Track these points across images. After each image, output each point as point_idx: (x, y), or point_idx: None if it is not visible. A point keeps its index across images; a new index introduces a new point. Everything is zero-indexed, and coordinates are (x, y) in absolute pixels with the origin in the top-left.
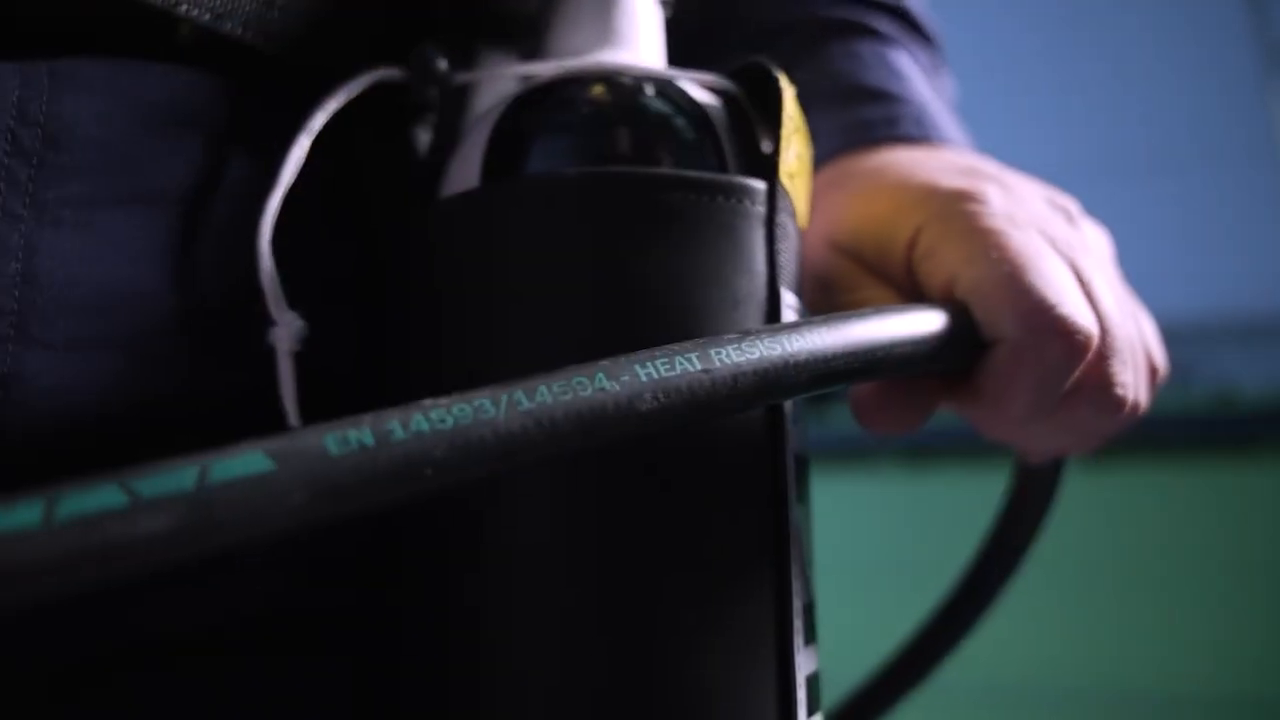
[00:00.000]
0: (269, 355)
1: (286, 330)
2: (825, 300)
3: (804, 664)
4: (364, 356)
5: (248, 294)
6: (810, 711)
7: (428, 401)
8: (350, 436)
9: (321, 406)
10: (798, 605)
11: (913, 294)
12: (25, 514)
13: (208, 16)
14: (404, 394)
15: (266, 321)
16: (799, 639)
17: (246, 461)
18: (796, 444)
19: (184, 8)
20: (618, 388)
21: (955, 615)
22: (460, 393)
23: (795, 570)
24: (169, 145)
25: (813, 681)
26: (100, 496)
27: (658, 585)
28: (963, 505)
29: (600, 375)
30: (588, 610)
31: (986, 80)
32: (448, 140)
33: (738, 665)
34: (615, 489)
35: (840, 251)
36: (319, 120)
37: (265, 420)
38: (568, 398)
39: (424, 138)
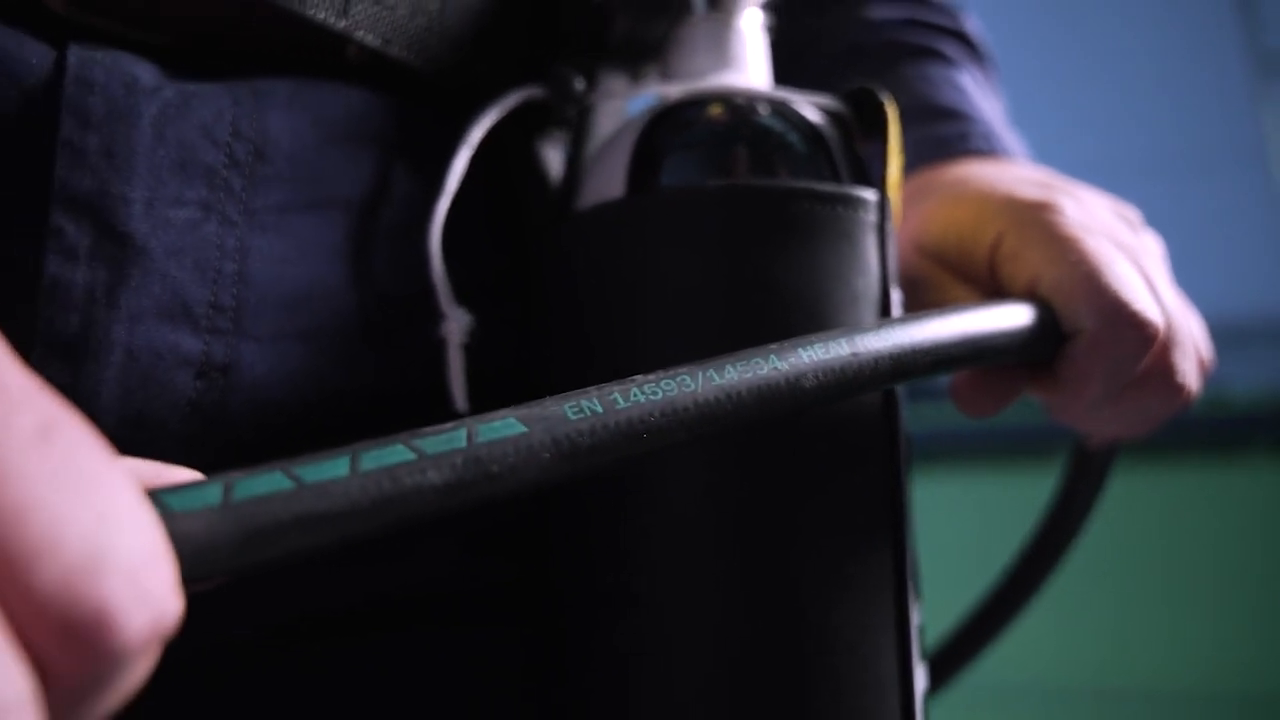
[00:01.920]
0: (437, 348)
1: (457, 324)
2: (912, 298)
3: (915, 615)
4: (521, 351)
5: (418, 292)
6: (920, 658)
7: (639, 377)
8: (583, 404)
9: (483, 397)
10: (910, 562)
11: (993, 292)
12: (333, 468)
13: (379, 41)
14: (550, 387)
15: (437, 317)
16: (912, 592)
17: (505, 424)
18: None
19: (360, 33)
20: (786, 367)
21: (1011, 594)
22: (664, 370)
23: (907, 530)
24: (345, 155)
25: (920, 631)
26: (393, 453)
27: (794, 546)
28: (962, 506)
29: (773, 357)
30: (732, 571)
31: None
32: (582, 154)
33: (866, 615)
34: (755, 461)
35: (926, 255)
36: (477, 134)
37: (430, 407)
38: (749, 375)
39: (551, 151)
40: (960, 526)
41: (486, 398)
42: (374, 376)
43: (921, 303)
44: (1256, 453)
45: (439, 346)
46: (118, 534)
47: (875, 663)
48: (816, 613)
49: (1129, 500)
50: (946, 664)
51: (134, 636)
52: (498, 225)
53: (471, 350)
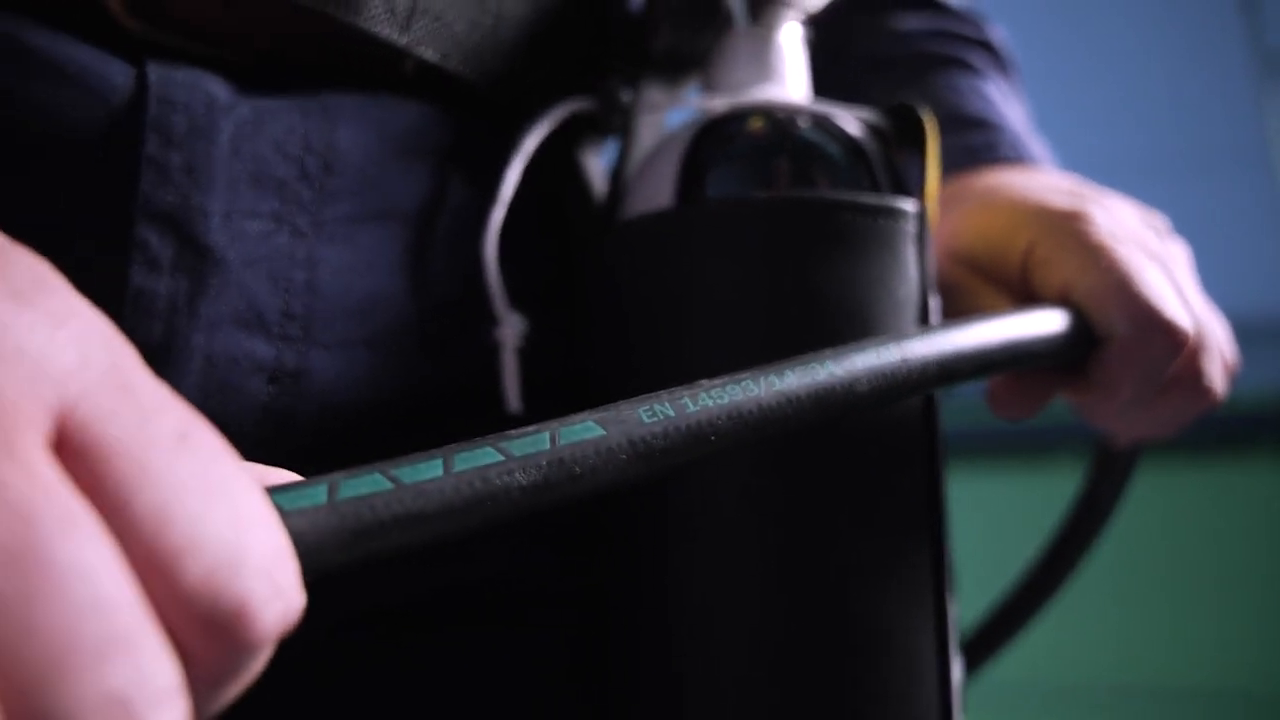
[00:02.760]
0: (490, 353)
1: (512, 329)
2: (947, 303)
3: (952, 609)
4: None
5: (473, 298)
6: (956, 651)
7: (704, 382)
8: (656, 408)
9: (533, 402)
10: (948, 558)
11: (1024, 298)
12: (428, 469)
13: (437, 56)
14: (598, 395)
15: (491, 322)
16: (949, 588)
17: (585, 427)
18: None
19: (420, 48)
20: (841, 373)
21: (1034, 592)
22: (728, 375)
23: (945, 527)
24: (404, 167)
25: (955, 624)
26: (483, 455)
27: (837, 544)
28: (985, 503)
29: (828, 363)
30: (776, 569)
31: None
32: (625, 166)
33: (907, 611)
34: (799, 462)
35: (959, 261)
36: (530, 144)
37: (483, 410)
38: (808, 380)
39: (593, 161)
40: (982, 524)
41: (536, 402)
42: (431, 381)
43: (955, 308)
44: (1260, 452)
45: (492, 352)
46: (251, 533)
47: (916, 656)
48: (859, 608)
49: (1131, 499)
50: (968, 661)
51: (269, 629)
52: (546, 234)
53: (524, 355)
